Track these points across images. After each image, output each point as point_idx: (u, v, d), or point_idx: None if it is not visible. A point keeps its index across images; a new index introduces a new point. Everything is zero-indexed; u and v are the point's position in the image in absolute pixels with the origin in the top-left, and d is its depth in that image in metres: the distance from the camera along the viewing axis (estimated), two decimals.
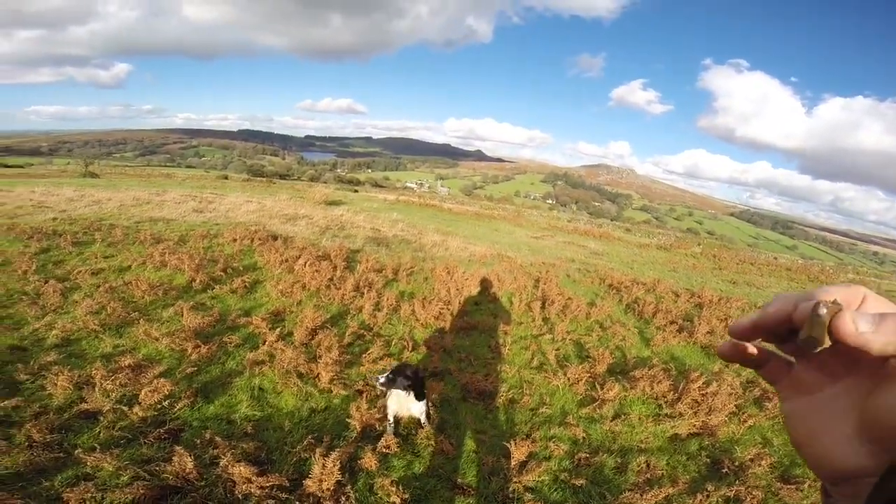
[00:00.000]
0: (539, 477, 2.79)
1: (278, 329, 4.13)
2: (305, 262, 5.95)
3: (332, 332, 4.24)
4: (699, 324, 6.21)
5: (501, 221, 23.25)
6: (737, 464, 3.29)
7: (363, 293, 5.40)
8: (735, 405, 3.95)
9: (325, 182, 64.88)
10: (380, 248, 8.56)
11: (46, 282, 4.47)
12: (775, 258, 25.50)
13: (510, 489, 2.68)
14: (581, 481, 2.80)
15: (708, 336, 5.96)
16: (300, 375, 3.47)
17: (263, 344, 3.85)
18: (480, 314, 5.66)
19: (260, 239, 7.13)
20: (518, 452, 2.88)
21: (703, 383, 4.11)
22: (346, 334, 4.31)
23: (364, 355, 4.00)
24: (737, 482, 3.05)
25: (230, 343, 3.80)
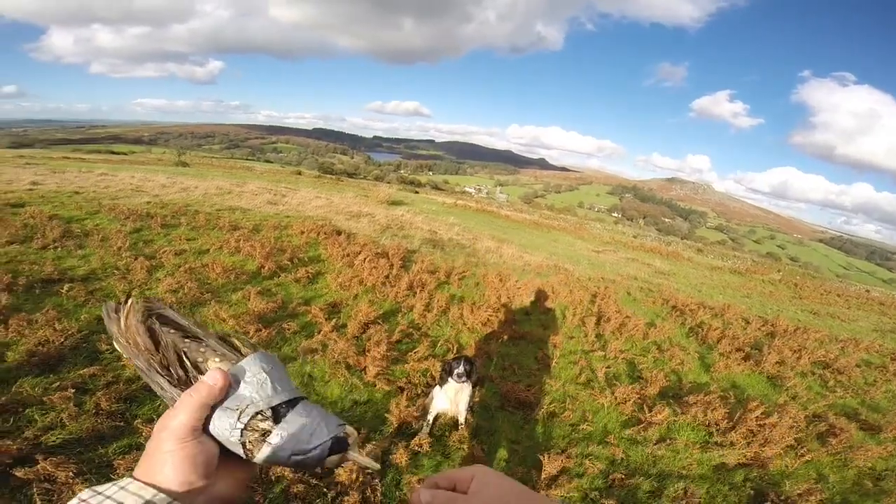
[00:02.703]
0: (568, 493, 2.73)
1: (334, 320, 4.35)
2: (365, 259, 6.21)
3: (383, 327, 4.40)
4: (768, 353, 5.72)
5: (561, 232, 22.75)
6: (783, 497, 3.04)
7: (415, 293, 5.54)
8: (794, 438, 3.65)
9: (388, 182, 66.91)
10: (435, 249, 8.72)
11: (136, 258, 5.02)
12: (867, 291, 22.73)
13: None
14: (611, 502, 2.72)
15: (777, 366, 5.47)
16: (348, 367, 3.64)
17: (318, 333, 4.07)
18: (530, 324, 5.60)
19: (325, 233, 7.53)
20: (550, 466, 2.83)
21: (762, 413, 3.80)
22: (396, 331, 4.44)
23: (410, 353, 4.11)
24: None
25: (288, 329, 4.06)
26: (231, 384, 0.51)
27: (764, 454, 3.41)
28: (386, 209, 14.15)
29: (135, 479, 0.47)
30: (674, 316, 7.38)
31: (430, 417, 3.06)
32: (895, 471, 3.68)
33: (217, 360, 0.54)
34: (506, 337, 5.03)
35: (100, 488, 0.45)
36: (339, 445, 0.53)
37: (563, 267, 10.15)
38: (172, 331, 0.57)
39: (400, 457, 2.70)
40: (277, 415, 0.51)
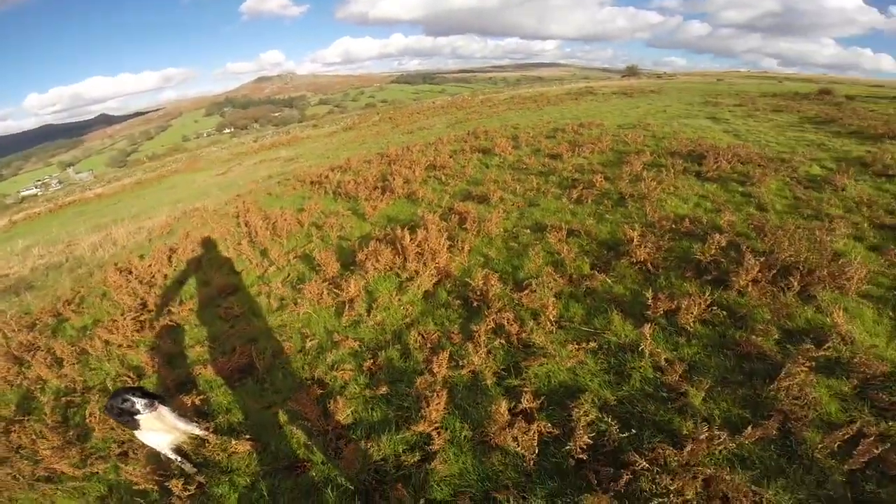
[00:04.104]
0: (350, 409, 2.67)
1: None
2: None
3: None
4: (394, 179, 6.81)
5: (176, 176, 19.76)
6: (478, 293, 3.47)
7: (23, 367, 3.85)
8: (447, 239, 4.21)
9: None
10: (19, 296, 6.10)
11: None
12: (433, 102, 30.71)
13: (333, 437, 2.53)
14: (384, 388, 2.77)
15: (405, 186, 6.54)
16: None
17: None
18: (195, 287, 4.84)
19: None
20: (314, 401, 2.73)
21: (412, 234, 4.30)
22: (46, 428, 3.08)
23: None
24: (487, 310, 3.23)
25: None
26: None
27: (441, 265, 3.90)
28: None
29: None
30: (316, 190, 7.74)
31: (172, 455, 2.49)
32: (519, 224, 4.64)
33: None
34: (177, 321, 4.22)
35: None
36: None
37: (192, 209, 8.97)
38: None
39: None
40: None
